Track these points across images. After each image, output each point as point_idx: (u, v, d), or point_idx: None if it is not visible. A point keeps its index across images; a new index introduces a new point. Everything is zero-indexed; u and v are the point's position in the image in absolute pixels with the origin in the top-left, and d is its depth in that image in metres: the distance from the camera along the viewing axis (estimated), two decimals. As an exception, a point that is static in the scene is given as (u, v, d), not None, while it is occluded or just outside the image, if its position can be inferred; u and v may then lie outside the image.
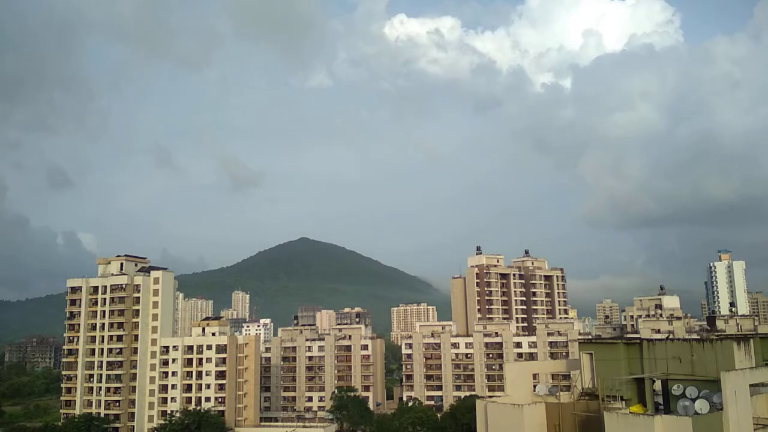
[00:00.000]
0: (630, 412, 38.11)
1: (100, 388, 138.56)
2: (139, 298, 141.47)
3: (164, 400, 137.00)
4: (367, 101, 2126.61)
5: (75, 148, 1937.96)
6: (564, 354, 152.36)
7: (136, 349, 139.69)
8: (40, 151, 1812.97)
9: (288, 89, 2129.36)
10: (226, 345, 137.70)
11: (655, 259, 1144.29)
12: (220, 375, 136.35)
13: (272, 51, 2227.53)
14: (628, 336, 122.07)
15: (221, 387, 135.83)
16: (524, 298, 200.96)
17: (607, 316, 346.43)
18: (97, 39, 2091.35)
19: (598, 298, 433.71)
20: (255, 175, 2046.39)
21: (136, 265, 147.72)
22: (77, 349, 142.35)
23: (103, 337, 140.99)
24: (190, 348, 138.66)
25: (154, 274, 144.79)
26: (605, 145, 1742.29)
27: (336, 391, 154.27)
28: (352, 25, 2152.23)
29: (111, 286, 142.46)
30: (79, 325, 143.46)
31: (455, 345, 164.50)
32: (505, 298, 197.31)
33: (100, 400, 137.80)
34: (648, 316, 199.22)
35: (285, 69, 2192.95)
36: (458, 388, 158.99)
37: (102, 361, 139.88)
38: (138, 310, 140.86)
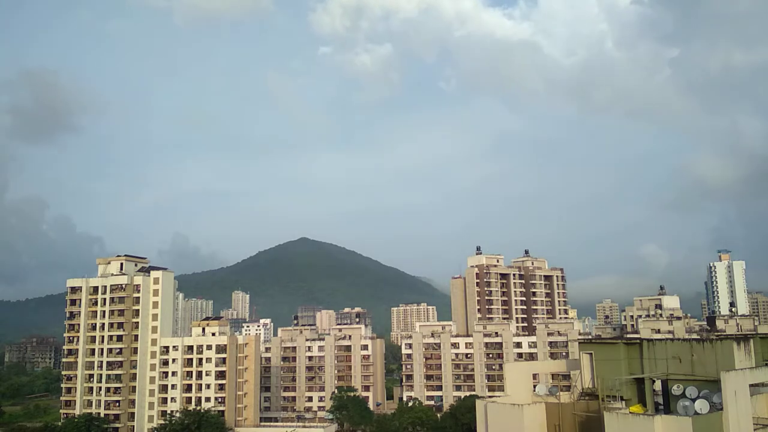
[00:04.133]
0: (630, 412, 38.04)
1: (100, 388, 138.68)
2: (139, 298, 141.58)
3: (164, 400, 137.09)
4: (366, 99, 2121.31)
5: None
6: (564, 354, 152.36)
7: (136, 349, 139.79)
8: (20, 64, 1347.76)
9: (284, 89, 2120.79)
10: (226, 345, 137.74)
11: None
12: (220, 375, 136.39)
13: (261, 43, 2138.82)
14: (628, 336, 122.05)
15: (221, 387, 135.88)
16: (524, 298, 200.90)
17: (607, 316, 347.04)
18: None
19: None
20: (254, 175, 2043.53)
21: (135, 265, 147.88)
22: (77, 349, 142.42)
23: (103, 337, 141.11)
24: (190, 348, 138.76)
25: (154, 274, 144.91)
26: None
27: (336, 391, 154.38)
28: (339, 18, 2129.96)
29: (111, 286, 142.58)
30: (79, 325, 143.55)
31: (455, 345, 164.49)
32: (505, 298, 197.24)
33: (100, 400, 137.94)
34: (648, 316, 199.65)
35: (281, 68, 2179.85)
36: (458, 388, 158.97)
37: (102, 361, 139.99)
38: (138, 310, 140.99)
